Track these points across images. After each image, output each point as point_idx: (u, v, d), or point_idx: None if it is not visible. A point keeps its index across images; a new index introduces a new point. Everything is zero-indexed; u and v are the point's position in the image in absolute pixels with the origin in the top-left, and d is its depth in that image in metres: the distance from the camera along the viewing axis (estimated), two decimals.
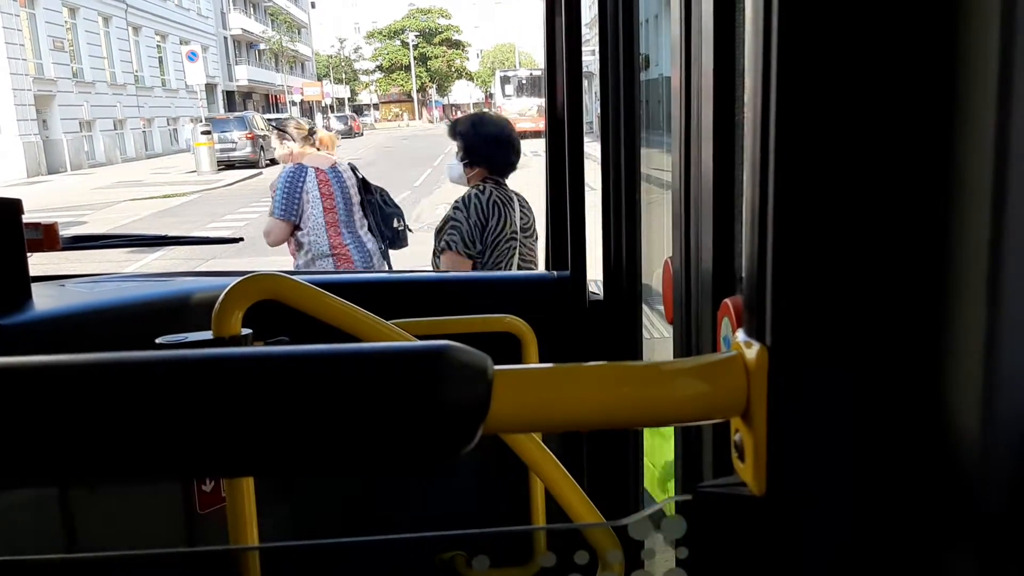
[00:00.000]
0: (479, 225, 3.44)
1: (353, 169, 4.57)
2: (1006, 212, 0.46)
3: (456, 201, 3.55)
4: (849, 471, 0.54)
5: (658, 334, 2.65)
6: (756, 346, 0.54)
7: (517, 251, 3.55)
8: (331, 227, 4.37)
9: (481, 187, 3.51)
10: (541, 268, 3.65)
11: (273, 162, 30.53)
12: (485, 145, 3.57)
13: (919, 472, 0.52)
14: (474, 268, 3.43)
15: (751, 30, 0.54)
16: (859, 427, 0.53)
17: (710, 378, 0.56)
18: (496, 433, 0.55)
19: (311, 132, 4.59)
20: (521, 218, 3.59)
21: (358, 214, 4.50)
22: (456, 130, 3.69)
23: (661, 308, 1.48)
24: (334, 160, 4.51)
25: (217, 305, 1.35)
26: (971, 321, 0.48)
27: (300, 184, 4.37)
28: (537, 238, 3.66)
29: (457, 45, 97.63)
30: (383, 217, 4.62)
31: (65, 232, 2.27)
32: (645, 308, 2.03)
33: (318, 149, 4.58)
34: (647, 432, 2.01)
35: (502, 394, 0.50)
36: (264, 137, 29.68)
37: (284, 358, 0.47)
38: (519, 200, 3.61)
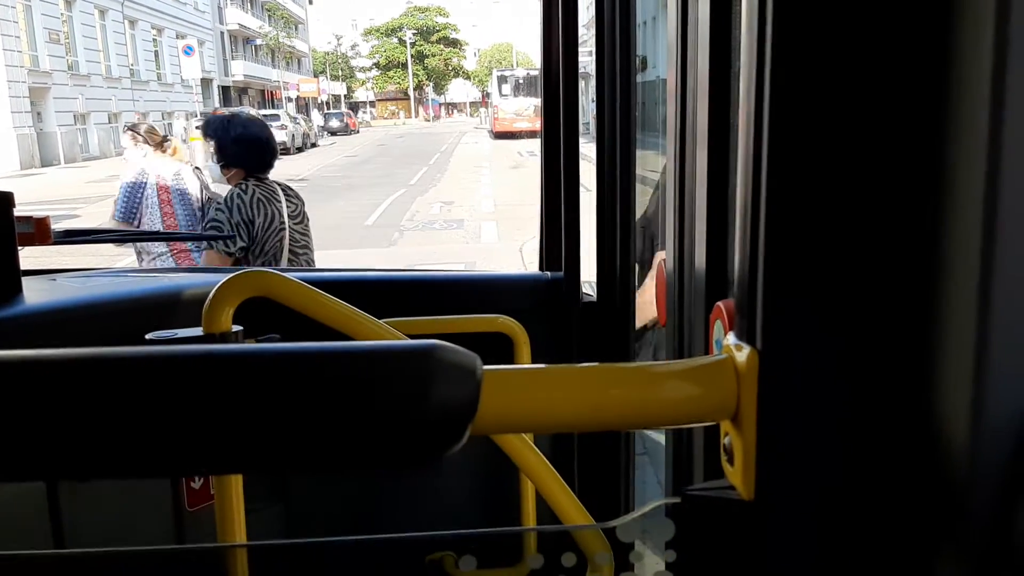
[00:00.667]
0: (244, 223, 3.53)
1: (198, 175, 4.82)
2: (998, 217, 0.46)
3: (218, 202, 3.64)
4: (838, 476, 0.54)
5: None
6: (746, 349, 0.54)
7: (286, 240, 3.66)
8: (169, 230, 4.63)
9: (244, 186, 3.58)
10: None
11: None
12: (237, 146, 3.64)
13: (908, 477, 0.52)
14: (235, 264, 3.55)
15: (746, 33, 0.54)
16: (848, 431, 0.53)
17: (700, 381, 0.56)
18: (485, 434, 0.55)
19: (165, 140, 4.86)
20: (289, 206, 3.69)
21: (203, 217, 4.76)
22: (207, 132, 3.77)
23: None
24: (179, 167, 4.75)
25: (207, 301, 1.35)
26: (962, 326, 0.48)
27: (140, 189, 4.64)
28: (308, 220, 3.82)
29: (455, 44, 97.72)
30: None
31: (57, 226, 2.26)
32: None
33: (169, 155, 4.86)
34: None
35: (491, 394, 0.50)
36: None
37: (272, 355, 0.47)
38: (284, 190, 3.72)
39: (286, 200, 3.68)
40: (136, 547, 1.58)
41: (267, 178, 3.68)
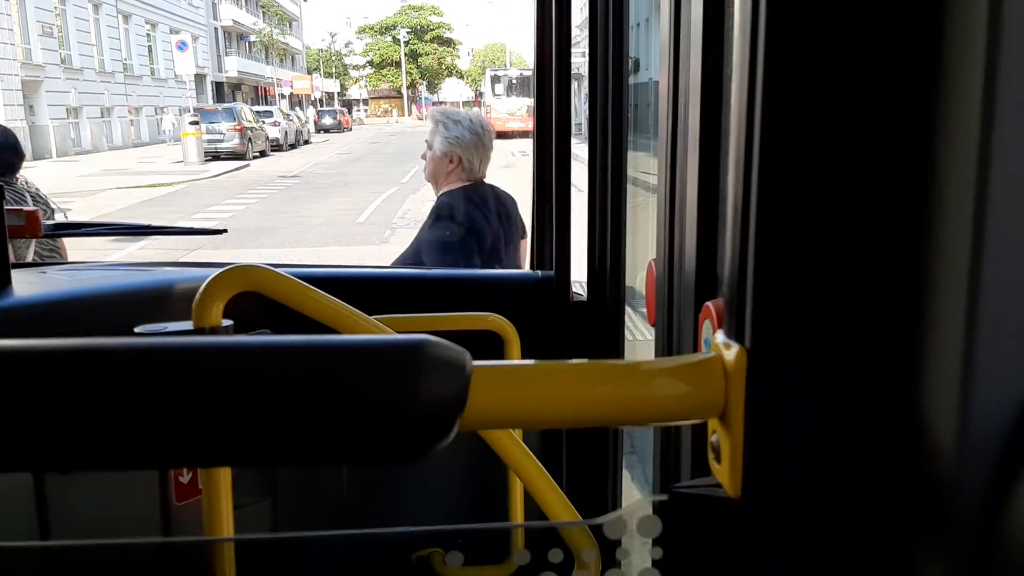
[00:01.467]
0: None
1: None
2: (986, 219, 0.46)
3: None
4: (825, 474, 0.54)
5: (641, 336, 2.66)
6: (735, 347, 0.54)
7: (32, 242, 3.82)
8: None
9: None
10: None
11: (262, 154, 30.52)
12: None
13: (895, 476, 0.53)
14: None
15: (738, 35, 0.54)
16: (835, 430, 0.54)
17: (688, 379, 0.56)
18: (474, 429, 0.55)
19: None
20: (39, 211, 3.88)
21: None
22: None
23: (644, 310, 1.49)
24: None
25: (198, 295, 1.35)
26: (950, 325, 0.48)
27: None
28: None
29: (448, 43, 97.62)
30: None
31: (49, 219, 2.25)
32: (628, 310, 2.04)
33: None
34: None
35: (480, 390, 0.50)
36: (252, 129, 29.59)
37: (260, 348, 0.47)
38: (32, 196, 3.91)
39: (33, 204, 3.83)
40: (123, 539, 1.58)
41: (13, 180, 3.85)
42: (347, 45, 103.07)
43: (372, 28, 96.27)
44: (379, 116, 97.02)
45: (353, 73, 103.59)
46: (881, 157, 0.51)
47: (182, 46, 33.05)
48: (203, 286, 1.35)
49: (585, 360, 0.57)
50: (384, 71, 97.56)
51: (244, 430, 0.46)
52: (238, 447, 0.47)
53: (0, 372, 0.44)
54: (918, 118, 0.50)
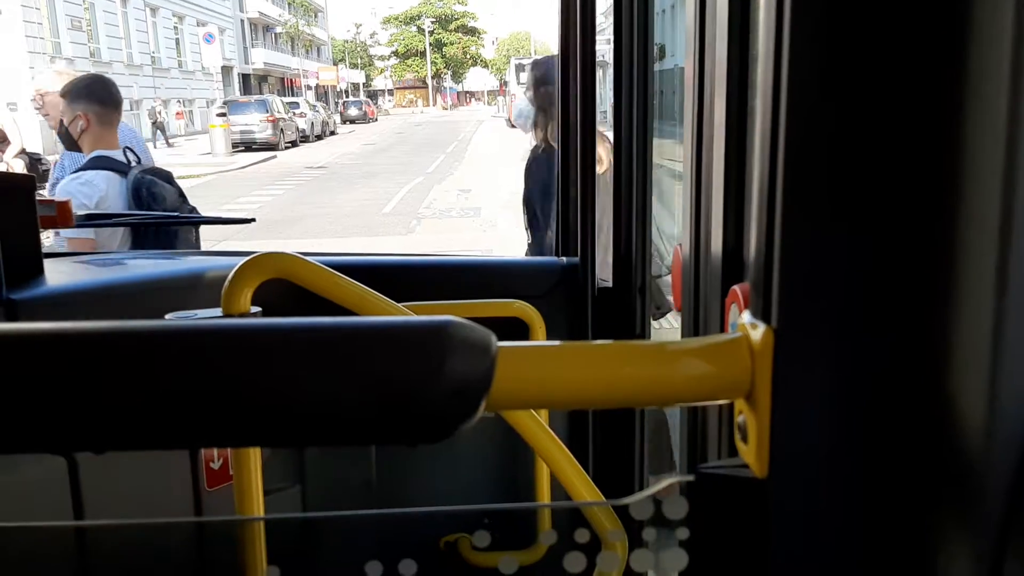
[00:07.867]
0: None
1: None
2: (1015, 200, 0.46)
3: None
4: (851, 454, 0.54)
5: (668, 326, 2.65)
6: (762, 328, 0.54)
7: None
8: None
9: None
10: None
11: (293, 144, 30.72)
12: None
13: (922, 458, 0.53)
14: None
15: (764, 20, 0.54)
16: (863, 410, 0.54)
17: (715, 359, 0.56)
18: (499, 410, 0.56)
19: None
20: None
21: None
22: None
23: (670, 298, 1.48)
24: None
25: (226, 283, 1.36)
26: (977, 307, 0.48)
27: None
28: None
29: (473, 32, 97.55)
30: None
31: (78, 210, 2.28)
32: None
33: None
34: None
35: (505, 371, 0.51)
36: (283, 120, 29.91)
37: (288, 330, 0.48)
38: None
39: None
40: (156, 519, 1.60)
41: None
42: (372, 36, 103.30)
43: (397, 18, 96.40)
44: (404, 106, 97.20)
45: (378, 63, 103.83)
46: (908, 140, 0.51)
47: (209, 38, 33.27)
48: (232, 273, 1.37)
49: (610, 341, 0.57)
50: (409, 61, 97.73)
51: (272, 411, 0.46)
52: (266, 428, 0.48)
53: (34, 355, 0.45)
54: (946, 103, 0.49)
